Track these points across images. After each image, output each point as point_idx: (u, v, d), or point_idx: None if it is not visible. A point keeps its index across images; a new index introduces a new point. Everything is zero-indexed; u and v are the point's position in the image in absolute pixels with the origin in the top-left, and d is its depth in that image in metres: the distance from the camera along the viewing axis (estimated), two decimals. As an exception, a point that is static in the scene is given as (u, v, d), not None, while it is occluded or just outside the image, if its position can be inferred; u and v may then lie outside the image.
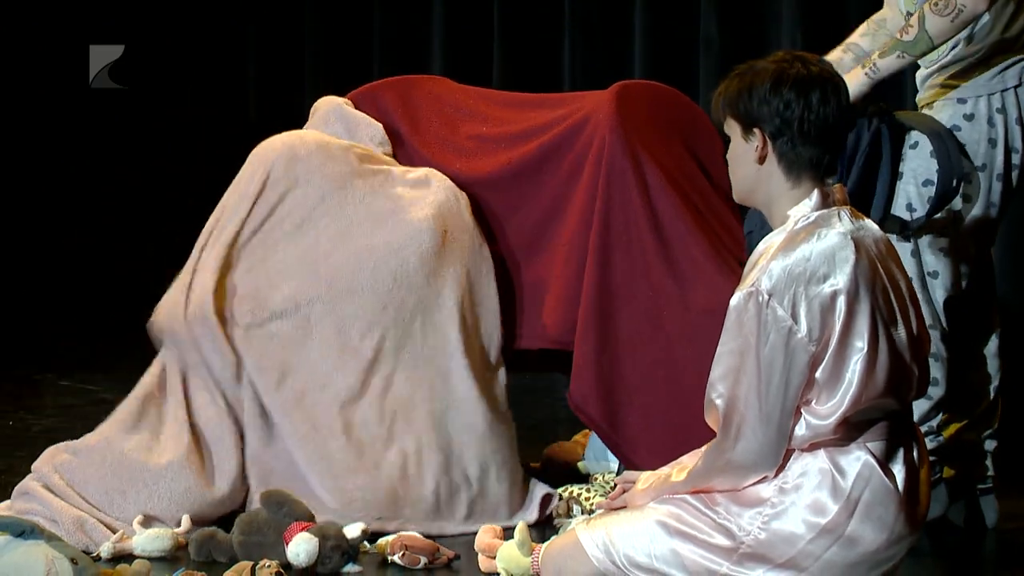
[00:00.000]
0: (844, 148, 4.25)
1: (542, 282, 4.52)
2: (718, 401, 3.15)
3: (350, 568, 3.93)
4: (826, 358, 3.09)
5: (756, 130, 3.23)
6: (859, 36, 4.36)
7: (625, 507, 3.37)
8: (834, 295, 3.09)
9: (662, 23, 6.69)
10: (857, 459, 3.15)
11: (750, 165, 3.25)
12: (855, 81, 4.14)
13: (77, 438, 4.73)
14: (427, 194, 4.51)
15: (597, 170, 4.55)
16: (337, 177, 4.51)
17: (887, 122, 4.19)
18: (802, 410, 3.14)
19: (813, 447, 3.16)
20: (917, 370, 3.19)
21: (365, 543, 4.03)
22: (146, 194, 7.96)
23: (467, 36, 7.25)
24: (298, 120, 6.64)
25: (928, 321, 4.06)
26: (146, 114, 7.87)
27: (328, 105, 4.74)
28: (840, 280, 3.09)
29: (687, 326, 4.25)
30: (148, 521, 4.13)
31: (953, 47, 4.15)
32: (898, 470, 3.17)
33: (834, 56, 4.30)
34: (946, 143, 4.10)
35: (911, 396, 3.21)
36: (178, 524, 4.12)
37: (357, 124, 4.68)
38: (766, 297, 3.08)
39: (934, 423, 4.26)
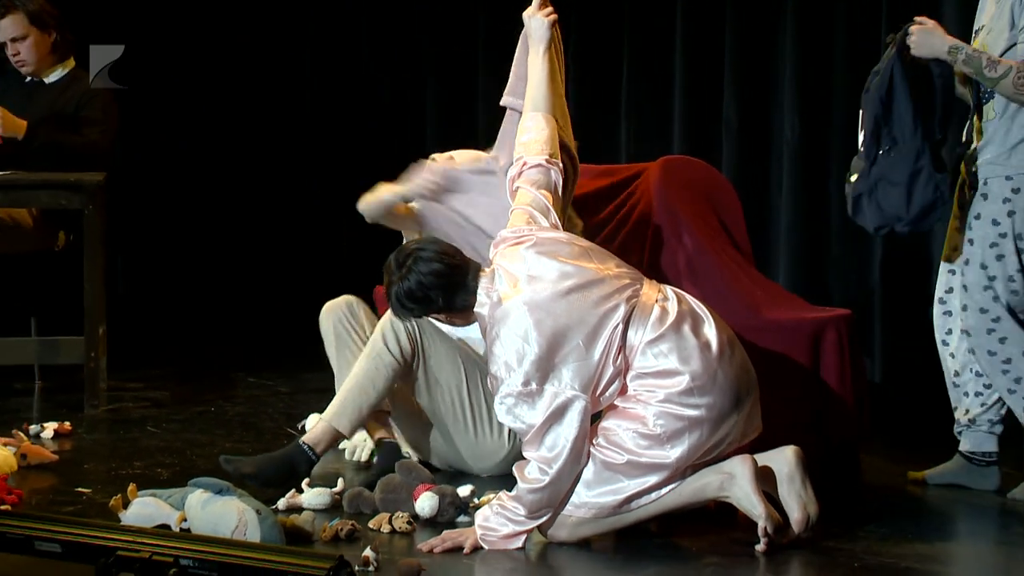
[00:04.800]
0: None
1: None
2: None
3: (462, 519, 4.23)
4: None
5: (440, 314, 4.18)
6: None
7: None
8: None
9: (694, 109, 6.83)
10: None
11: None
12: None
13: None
14: None
15: (647, 222, 4.92)
16: None
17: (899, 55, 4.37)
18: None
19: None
20: None
21: (474, 499, 4.32)
22: (145, 193, 7.81)
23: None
24: (302, 124, 7.14)
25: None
26: (146, 114, 7.57)
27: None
28: None
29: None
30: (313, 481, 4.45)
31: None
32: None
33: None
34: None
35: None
36: (335, 484, 4.42)
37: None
38: None
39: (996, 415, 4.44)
